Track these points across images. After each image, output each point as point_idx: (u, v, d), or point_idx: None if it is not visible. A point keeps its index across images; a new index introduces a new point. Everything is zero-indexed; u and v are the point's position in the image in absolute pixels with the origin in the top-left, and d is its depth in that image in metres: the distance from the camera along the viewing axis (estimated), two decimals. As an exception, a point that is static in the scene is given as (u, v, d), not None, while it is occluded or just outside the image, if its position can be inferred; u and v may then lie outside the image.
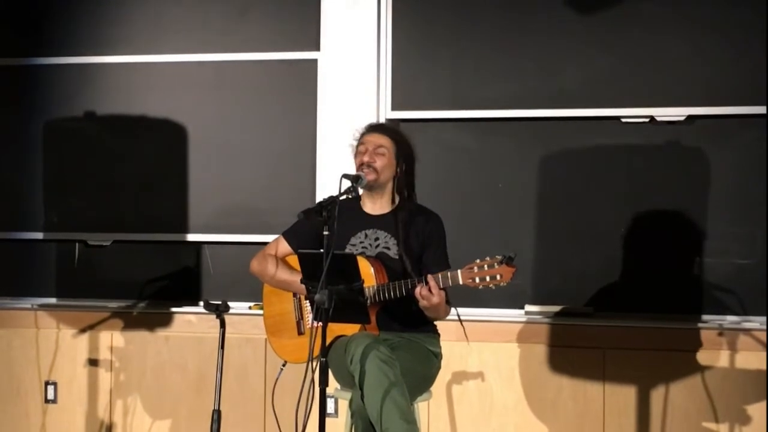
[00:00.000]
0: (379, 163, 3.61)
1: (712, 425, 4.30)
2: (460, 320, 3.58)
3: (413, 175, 3.73)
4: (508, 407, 4.48)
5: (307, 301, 3.61)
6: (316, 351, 3.14)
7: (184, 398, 4.79)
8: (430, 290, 3.33)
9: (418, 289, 3.35)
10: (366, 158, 3.62)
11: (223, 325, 3.79)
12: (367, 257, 3.54)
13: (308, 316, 3.64)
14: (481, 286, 3.31)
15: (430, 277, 3.35)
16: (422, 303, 3.37)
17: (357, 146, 3.70)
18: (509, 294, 4.47)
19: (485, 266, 3.30)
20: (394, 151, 3.65)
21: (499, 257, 3.28)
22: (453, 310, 3.56)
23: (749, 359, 4.28)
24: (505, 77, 4.66)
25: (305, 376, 3.13)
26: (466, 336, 3.70)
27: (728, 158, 4.46)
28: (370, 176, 3.59)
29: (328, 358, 3.20)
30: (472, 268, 3.31)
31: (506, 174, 4.67)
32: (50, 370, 4.91)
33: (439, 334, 3.68)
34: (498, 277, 3.28)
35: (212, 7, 4.95)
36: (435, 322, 3.65)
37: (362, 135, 3.71)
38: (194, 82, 4.94)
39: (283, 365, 3.69)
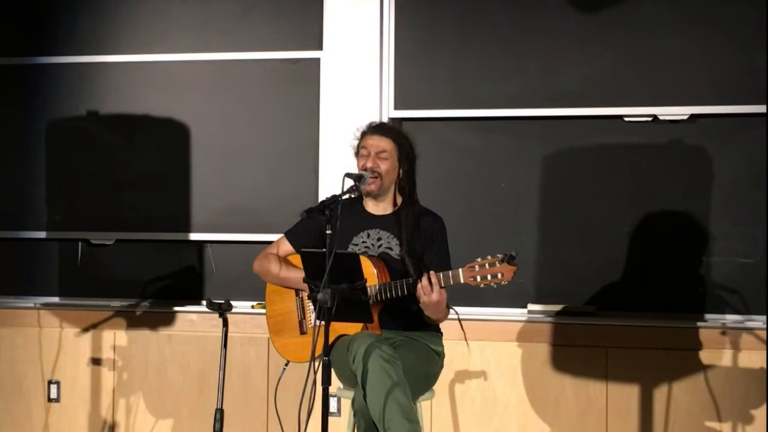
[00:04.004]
0: (382, 168, 3.61)
1: (714, 424, 4.30)
2: (459, 321, 3.57)
3: (414, 173, 3.72)
4: (510, 406, 4.48)
5: (310, 301, 3.61)
6: (319, 350, 3.14)
7: (187, 397, 4.79)
8: (431, 284, 3.33)
9: (420, 283, 3.36)
10: (369, 164, 3.61)
11: (225, 324, 3.79)
12: (370, 256, 3.54)
13: (310, 316, 3.64)
14: (482, 285, 3.32)
15: (432, 273, 3.36)
16: (423, 299, 3.37)
17: (358, 147, 3.69)
18: (512, 293, 4.48)
19: (486, 265, 3.31)
20: (396, 153, 3.64)
21: (500, 256, 3.30)
22: (452, 311, 3.55)
23: (752, 358, 4.27)
24: (507, 76, 4.65)
25: (308, 375, 3.14)
26: (466, 337, 3.69)
27: (731, 157, 4.46)
28: (373, 185, 3.59)
29: (330, 357, 3.20)
30: (473, 266, 3.33)
31: (509, 173, 4.66)
32: (53, 369, 4.91)
33: (441, 333, 3.68)
34: (499, 275, 3.30)
35: (215, 6, 4.95)
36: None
37: (363, 135, 3.70)
38: (197, 82, 4.95)
39: (286, 365, 3.69)
